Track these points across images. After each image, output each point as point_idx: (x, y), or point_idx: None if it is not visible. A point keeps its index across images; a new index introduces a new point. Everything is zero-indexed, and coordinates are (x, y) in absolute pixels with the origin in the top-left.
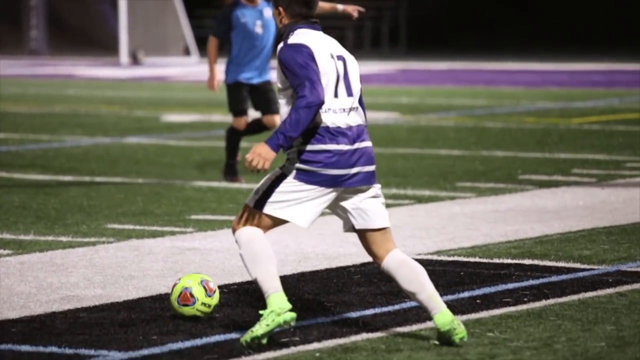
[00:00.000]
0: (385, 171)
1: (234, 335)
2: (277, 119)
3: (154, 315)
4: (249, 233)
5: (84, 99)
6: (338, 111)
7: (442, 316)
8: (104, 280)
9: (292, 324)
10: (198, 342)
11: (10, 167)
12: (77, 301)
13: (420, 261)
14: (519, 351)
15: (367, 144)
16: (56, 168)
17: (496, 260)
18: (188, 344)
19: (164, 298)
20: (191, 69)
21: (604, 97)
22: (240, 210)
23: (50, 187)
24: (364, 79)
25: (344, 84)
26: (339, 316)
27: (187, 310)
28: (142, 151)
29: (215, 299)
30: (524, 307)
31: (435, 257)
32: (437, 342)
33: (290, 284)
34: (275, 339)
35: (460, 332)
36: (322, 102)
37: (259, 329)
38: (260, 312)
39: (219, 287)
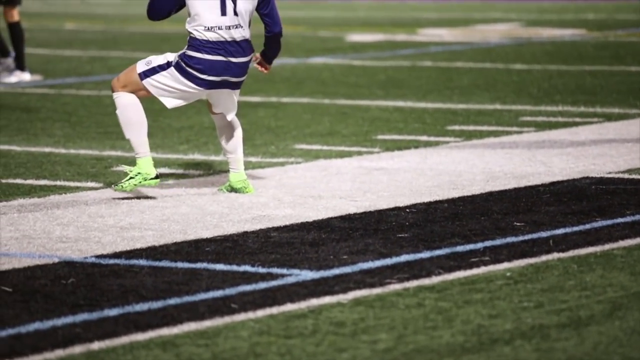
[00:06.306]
0: (572, 89)
1: (423, 255)
2: None
3: (343, 234)
4: (127, 99)
5: None
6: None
7: (237, 175)
8: (294, 200)
9: (154, 185)
10: (388, 261)
11: None
12: (268, 221)
13: (611, 180)
14: None
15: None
16: (244, 89)
17: None
18: (378, 263)
19: (353, 218)
20: None
21: None
22: (127, 69)
23: (238, 107)
24: None
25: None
26: (529, 235)
27: None
28: (328, 71)
29: None
30: None
31: (626, 176)
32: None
33: (479, 203)
34: (465, 258)
35: (250, 189)
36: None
37: (127, 185)
38: (128, 169)
39: (406, 206)
